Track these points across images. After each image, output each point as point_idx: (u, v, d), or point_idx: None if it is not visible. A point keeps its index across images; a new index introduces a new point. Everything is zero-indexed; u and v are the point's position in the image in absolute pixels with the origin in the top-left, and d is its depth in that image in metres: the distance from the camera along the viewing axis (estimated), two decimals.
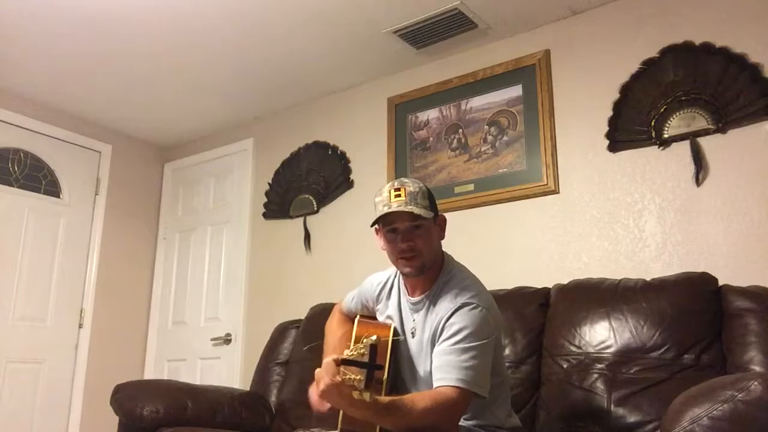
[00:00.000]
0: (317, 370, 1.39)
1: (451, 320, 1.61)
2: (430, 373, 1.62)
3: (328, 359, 1.35)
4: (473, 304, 1.62)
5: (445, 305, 1.65)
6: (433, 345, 1.65)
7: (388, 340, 1.70)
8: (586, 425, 1.98)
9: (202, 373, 3.93)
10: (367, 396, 1.29)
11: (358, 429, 1.61)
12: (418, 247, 1.67)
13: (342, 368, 1.32)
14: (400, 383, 1.75)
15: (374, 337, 1.29)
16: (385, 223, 1.69)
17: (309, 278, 3.58)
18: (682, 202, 2.50)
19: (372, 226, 1.72)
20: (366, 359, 1.28)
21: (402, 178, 1.74)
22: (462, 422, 1.64)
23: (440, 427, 1.48)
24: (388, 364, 1.66)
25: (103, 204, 4.16)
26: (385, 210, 1.65)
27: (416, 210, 1.63)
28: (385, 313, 1.84)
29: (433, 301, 1.71)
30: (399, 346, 1.75)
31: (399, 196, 1.65)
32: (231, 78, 3.58)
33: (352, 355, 1.30)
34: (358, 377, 1.27)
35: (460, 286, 1.68)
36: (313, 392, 1.60)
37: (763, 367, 1.84)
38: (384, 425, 1.51)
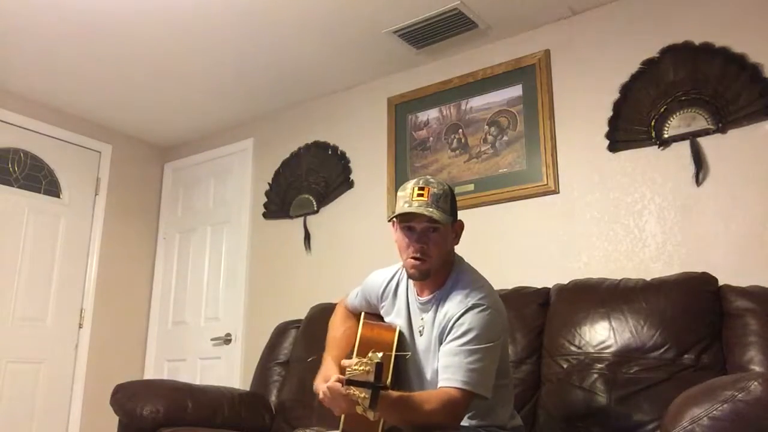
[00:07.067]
0: (317, 383, 1.41)
1: (461, 320, 1.62)
2: (437, 371, 1.63)
3: (332, 381, 1.41)
4: (484, 305, 1.63)
5: (455, 305, 1.66)
6: (440, 343, 1.66)
7: (393, 348, 1.70)
8: (586, 425, 1.98)
9: (202, 373, 3.93)
10: (371, 415, 1.29)
11: (359, 430, 1.61)
12: (429, 252, 1.67)
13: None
14: (405, 381, 1.75)
15: (380, 355, 1.29)
16: (403, 220, 1.69)
17: (309, 278, 3.58)
18: (682, 202, 2.50)
19: (390, 220, 1.73)
20: (371, 378, 1.27)
21: (429, 178, 1.72)
22: (466, 422, 1.65)
23: (443, 426, 1.50)
24: (392, 368, 1.66)
25: (103, 204, 4.16)
26: (405, 207, 1.65)
27: (436, 214, 1.63)
28: (392, 312, 1.84)
29: (442, 300, 1.71)
30: (405, 342, 1.76)
31: (422, 195, 1.65)
32: (231, 78, 3.58)
33: (358, 371, 1.29)
34: (363, 395, 1.27)
35: (471, 287, 1.68)
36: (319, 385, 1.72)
37: (763, 367, 1.84)
38: (389, 419, 1.55)
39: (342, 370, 1.56)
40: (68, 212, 4.00)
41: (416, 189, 1.66)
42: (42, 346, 3.77)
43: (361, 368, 1.29)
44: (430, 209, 1.63)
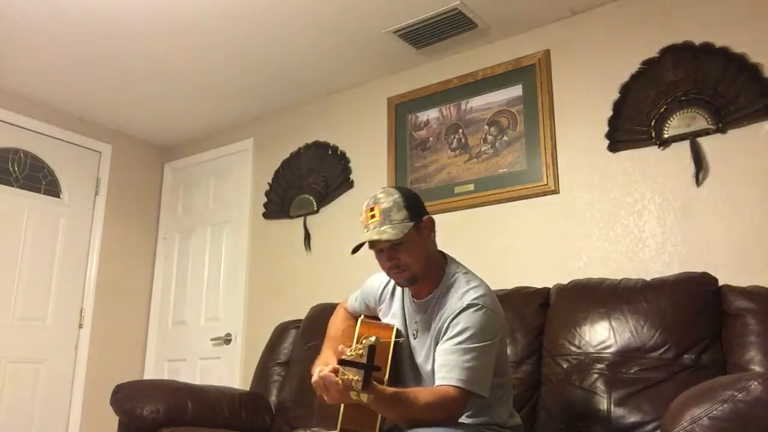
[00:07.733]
0: (316, 370, 1.42)
1: (456, 320, 1.62)
2: (433, 372, 1.63)
3: (326, 371, 1.39)
4: (479, 305, 1.63)
5: (451, 305, 1.66)
6: (436, 344, 1.66)
7: (389, 342, 1.71)
8: (586, 425, 1.98)
9: (202, 373, 3.93)
10: (365, 397, 1.30)
11: (358, 429, 1.61)
12: (403, 263, 1.68)
13: (341, 368, 1.33)
14: (402, 383, 1.75)
15: (373, 338, 1.31)
16: (369, 245, 1.70)
17: (309, 278, 3.58)
18: (682, 202, 2.50)
19: (353, 253, 1.72)
20: (364, 360, 1.28)
21: (377, 194, 1.72)
22: (466, 420, 1.66)
23: (439, 423, 1.52)
24: (389, 366, 1.66)
25: (103, 204, 4.16)
26: (364, 234, 1.67)
27: (387, 233, 1.62)
28: (389, 314, 1.85)
29: (438, 302, 1.72)
30: (402, 346, 1.76)
31: (373, 216, 1.67)
32: (231, 78, 3.58)
33: (351, 355, 1.31)
34: (356, 378, 1.28)
35: (466, 287, 1.69)
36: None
37: (763, 367, 1.84)
38: (386, 414, 1.56)
39: (338, 357, 1.57)
40: (68, 212, 4.00)
41: (368, 212, 1.68)
42: (42, 346, 3.77)
43: (355, 352, 1.31)
44: (383, 228, 1.64)
